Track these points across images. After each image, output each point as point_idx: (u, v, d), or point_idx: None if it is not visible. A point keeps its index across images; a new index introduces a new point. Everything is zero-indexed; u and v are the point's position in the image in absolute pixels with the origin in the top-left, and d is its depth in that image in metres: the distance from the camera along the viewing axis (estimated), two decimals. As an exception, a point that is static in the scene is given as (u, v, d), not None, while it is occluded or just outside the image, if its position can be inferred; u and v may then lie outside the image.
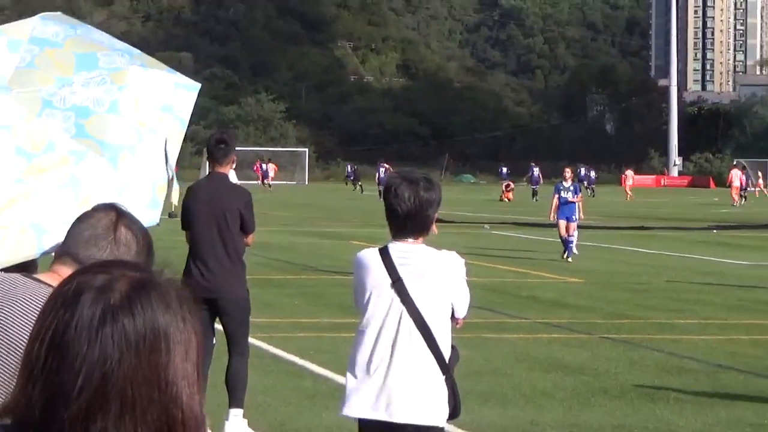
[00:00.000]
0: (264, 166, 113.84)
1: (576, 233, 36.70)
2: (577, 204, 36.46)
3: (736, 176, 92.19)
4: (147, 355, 2.36)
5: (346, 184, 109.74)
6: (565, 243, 35.74)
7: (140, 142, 5.89)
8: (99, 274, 2.43)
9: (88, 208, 5.44)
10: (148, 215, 5.83)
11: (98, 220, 4.63)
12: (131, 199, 5.74)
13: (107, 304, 2.37)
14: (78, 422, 2.33)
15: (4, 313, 4.39)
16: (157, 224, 5.94)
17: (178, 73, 6.28)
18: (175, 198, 6.26)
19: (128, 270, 2.46)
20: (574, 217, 36.01)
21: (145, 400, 2.34)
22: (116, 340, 2.35)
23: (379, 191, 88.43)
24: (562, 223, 35.74)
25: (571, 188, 36.54)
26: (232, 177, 51.43)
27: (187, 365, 2.41)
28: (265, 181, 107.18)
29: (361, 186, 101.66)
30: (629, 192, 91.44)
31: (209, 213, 13.06)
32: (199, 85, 6.27)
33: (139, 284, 2.42)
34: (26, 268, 5.31)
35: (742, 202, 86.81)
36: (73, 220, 4.71)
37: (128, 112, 5.89)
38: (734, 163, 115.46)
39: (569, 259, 35.11)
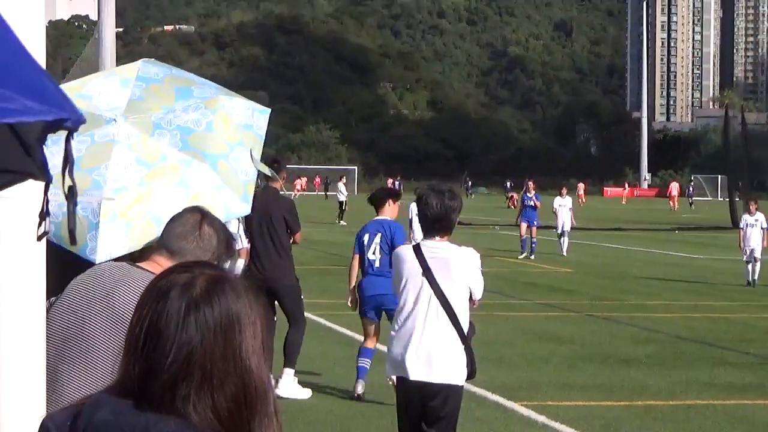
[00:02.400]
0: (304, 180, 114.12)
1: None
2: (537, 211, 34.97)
3: (675, 188, 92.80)
4: (224, 336, 2.38)
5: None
6: (524, 243, 34.40)
7: (232, 152, 6.03)
8: (183, 273, 2.45)
9: (197, 204, 5.62)
10: (242, 207, 6.00)
11: (187, 219, 4.65)
12: (228, 195, 5.91)
13: (191, 297, 2.39)
14: (167, 389, 2.35)
15: (116, 294, 4.42)
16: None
17: (252, 101, 6.45)
18: (267, 171, 6.53)
19: (206, 269, 2.48)
20: (535, 222, 34.53)
21: (222, 372, 2.36)
22: (199, 325, 2.37)
23: None
24: (524, 225, 34.40)
25: (533, 197, 35.12)
26: (341, 188, 49.68)
27: (256, 342, 2.42)
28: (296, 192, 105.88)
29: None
30: (583, 199, 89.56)
31: (260, 219, 13.06)
32: (269, 110, 6.47)
33: (215, 280, 2.44)
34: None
35: (692, 207, 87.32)
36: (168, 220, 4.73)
37: (220, 130, 6.05)
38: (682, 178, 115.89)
39: (532, 257, 33.67)
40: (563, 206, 36.37)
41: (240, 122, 6.19)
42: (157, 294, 2.43)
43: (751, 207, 27.20)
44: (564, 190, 37.99)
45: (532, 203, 34.78)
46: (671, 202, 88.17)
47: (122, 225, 5.52)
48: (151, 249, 4.81)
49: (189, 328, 2.37)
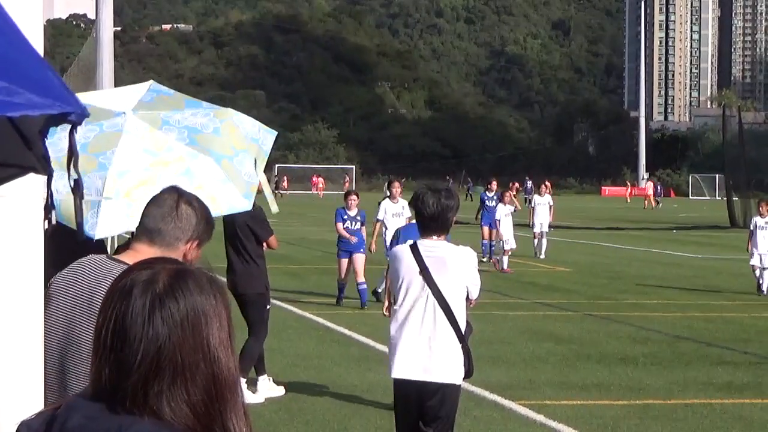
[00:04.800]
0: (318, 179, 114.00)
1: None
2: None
3: (650, 187, 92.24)
4: (191, 329, 2.37)
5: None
6: (486, 247, 31.71)
7: (236, 156, 6.24)
8: (144, 270, 2.43)
9: (201, 195, 5.66)
10: (243, 202, 6.19)
11: (164, 200, 4.57)
12: (231, 189, 6.13)
13: (154, 293, 2.38)
14: (139, 388, 2.34)
15: (96, 294, 4.39)
16: (251, 210, 6.48)
17: (260, 122, 6.70)
18: (272, 203, 6.65)
19: (167, 264, 2.47)
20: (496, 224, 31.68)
21: (192, 365, 2.35)
22: (165, 321, 2.36)
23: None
24: (485, 229, 31.88)
25: (495, 197, 32.48)
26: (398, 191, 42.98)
27: (222, 334, 2.41)
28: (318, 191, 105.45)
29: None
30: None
31: (228, 227, 13.02)
32: (275, 132, 6.70)
33: (177, 274, 2.43)
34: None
35: (658, 207, 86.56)
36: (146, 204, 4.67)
37: (226, 135, 6.30)
38: (648, 177, 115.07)
39: (485, 260, 30.68)
40: (541, 205, 34.93)
41: (246, 134, 6.41)
42: (120, 293, 2.41)
43: (762, 208, 25.09)
44: (543, 188, 36.73)
45: (493, 203, 32.14)
46: (646, 201, 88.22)
47: (124, 204, 5.63)
48: (132, 238, 4.74)
49: (155, 324, 2.35)
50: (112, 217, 5.66)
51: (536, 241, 34.62)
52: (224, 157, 6.12)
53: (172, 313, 2.37)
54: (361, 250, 21.21)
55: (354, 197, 21.55)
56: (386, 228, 21.68)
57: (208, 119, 6.21)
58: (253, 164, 6.27)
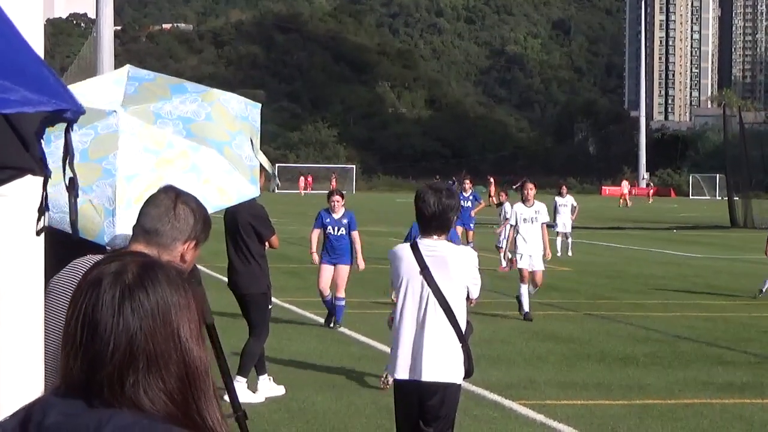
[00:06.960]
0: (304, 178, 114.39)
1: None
2: (473, 211, 31.77)
3: (626, 186, 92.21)
4: (161, 319, 2.36)
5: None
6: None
7: (234, 140, 6.18)
8: (113, 262, 2.43)
9: (209, 188, 5.66)
10: (250, 188, 6.13)
11: (161, 200, 4.54)
12: (237, 177, 6.08)
13: (124, 284, 2.38)
14: (114, 379, 2.33)
15: None
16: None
17: (243, 97, 6.63)
18: (266, 165, 6.66)
19: (136, 256, 2.47)
20: (471, 225, 31.26)
21: (165, 354, 2.35)
22: (135, 311, 2.35)
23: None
24: (459, 228, 29.41)
25: (471, 197, 31.77)
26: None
27: (192, 324, 2.41)
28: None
29: None
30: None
31: (230, 226, 12.99)
32: (260, 105, 6.63)
33: (146, 265, 2.42)
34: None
35: (629, 205, 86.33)
36: (144, 203, 4.63)
37: (219, 120, 6.21)
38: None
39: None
40: (564, 206, 34.88)
41: (236, 114, 6.37)
42: (89, 285, 2.40)
43: None
44: (564, 189, 36.13)
45: (468, 203, 30.93)
46: (622, 200, 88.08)
47: (136, 210, 5.63)
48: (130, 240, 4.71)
49: (125, 315, 2.35)
50: (128, 226, 5.67)
51: (560, 241, 34.65)
52: (224, 144, 6.11)
53: (141, 303, 2.36)
54: (347, 261, 18.23)
55: (338, 198, 18.29)
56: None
57: (197, 105, 6.18)
58: (250, 145, 6.25)
